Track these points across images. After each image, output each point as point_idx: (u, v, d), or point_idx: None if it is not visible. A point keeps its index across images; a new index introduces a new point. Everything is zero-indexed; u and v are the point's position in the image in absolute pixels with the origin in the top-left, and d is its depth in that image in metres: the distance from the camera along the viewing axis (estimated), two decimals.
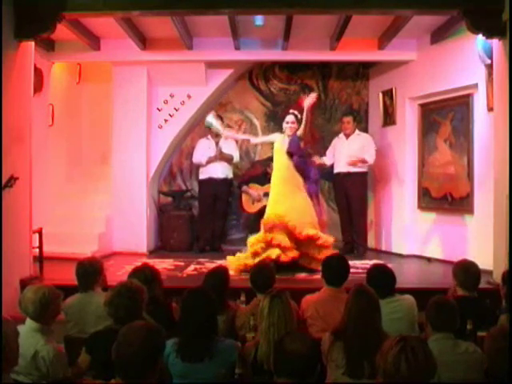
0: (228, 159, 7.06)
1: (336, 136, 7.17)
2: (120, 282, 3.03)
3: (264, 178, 7.16)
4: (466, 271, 3.43)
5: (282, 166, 5.75)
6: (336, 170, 6.92)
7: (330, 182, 7.64)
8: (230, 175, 7.16)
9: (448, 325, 2.67)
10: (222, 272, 3.70)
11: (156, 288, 3.33)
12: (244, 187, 7.17)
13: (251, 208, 7.07)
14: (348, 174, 6.78)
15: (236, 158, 7.15)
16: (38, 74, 6.08)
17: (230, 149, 7.12)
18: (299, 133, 5.71)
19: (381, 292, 3.26)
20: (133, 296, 2.80)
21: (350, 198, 6.87)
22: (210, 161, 6.99)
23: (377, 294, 3.22)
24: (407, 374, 1.88)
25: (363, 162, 6.72)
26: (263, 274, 3.61)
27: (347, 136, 6.89)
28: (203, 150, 7.07)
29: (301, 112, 5.69)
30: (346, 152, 6.75)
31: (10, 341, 2.10)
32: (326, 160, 6.83)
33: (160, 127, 7.18)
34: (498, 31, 4.62)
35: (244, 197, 7.15)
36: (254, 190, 7.09)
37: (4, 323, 2.20)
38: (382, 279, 3.36)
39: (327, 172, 7.63)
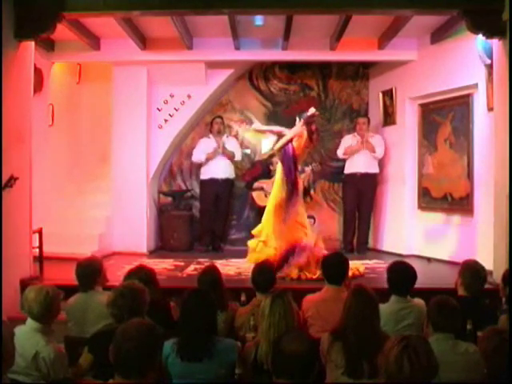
0: (230, 156, 7.06)
1: (339, 133, 7.44)
2: (122, 283, 3.04)
3: (267, 175, 7.19)
4: (475, 274, 3.41)
5: None
6: (351, 171, 7.02)
7: (332, 182, 7.67)
8: (232, 175, 7.17)
9: (449, 325, 2.66)
10: (212, 271, 3.69)
11: (153, 289, 3.32)
12: (256, 184, 7.18)
13: (264, 202, 7.08)
14: (365, 175, 6.92)
15: (238, 155, 7.17)
16: (38, 73, 6.08)
17: (233, 147, 7.14)
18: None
19: (398, 290, 3.29)
20: (136, 297, 2.81)
21: (363, 199, 7.03)
22: (209, 157, 6.99)
23: (394, 291, 3.22)
24: (409, 374, 1.88)
25: (374, 151, 6.90)
26: (264, 274, 3.61)
27: (362, 137, 6.95)
28: (204, 148, 7.07)
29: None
30: (364, 153, 6.92)
31: (6, 342, 2.11)
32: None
33: (160, 127, 7.18)
34: (498, 31, 4.63)
35: (255, 193, 7.15)
36: (266, 183, 7.12)
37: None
38: (402, 278, 3.36)
39: (330, 172, 7.67)
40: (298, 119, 5.68)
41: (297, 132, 5.58)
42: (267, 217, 5.55)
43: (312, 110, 5.63)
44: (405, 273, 3.38)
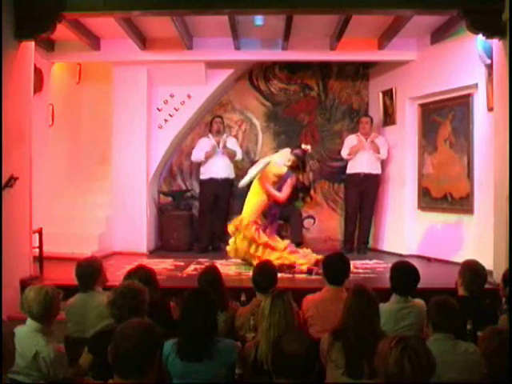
0: (231, 154, 7.06)
1: (339, 133, 7.54)
2: (122, 283, 3.03)
3: None
4: (475, 274, 3.41)
5: None
6: (354, 171, 7.01)
7: (332, 182, 7.67)
8: (232, 175, 7.16)
9: (449, 325, 2.66)
10: (212, 271, 3.69)
11: (153, 289, 3.32)
12: None
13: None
14: (368, 176, 6.92)
15: (239, 154, 7.17)
16: (38, 73, 6.08)
17: (233, 146, 7.14)
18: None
19: (400, 289, 3.31)
20: (136, 296, 2.81)
21: (365, 199, 7.03)
22: (208, 155, 6.98)
23: (396, 290, 3.25)
24: (411, 374, 1.88)
25: (378, 152, 6.89)
26: (265, 274, 3.61)
27: (365, 136, 6.96)
28: (203, 147, 7.07)
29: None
30: (367, 154, 6.92)
31: (6, 342, 2.11)
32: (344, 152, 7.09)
33: (160, 127, 7.18)
34: (498, 31, 4.62)
35: None
36: None
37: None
38: (406, 277, 3.37)
39: (330, 173, 7.67)
40: (289, 153, 5.78)
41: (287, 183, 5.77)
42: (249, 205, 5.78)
43: (307, 147, 5.85)
44: (408, 273, 3.39)
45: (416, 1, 4.82)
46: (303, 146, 5.87)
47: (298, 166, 5.83)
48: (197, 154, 7.09)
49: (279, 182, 5.76)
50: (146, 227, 6.97)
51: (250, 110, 7.79)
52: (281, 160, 5.81)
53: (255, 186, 5.82)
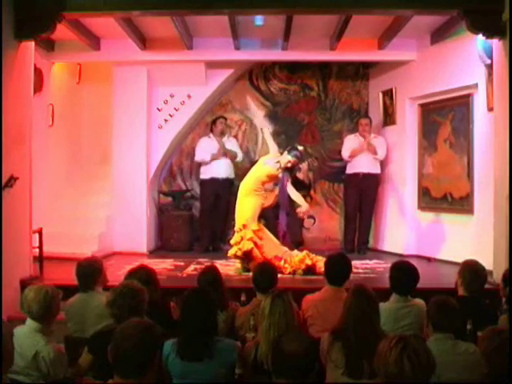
0: (232, 156, 7.07)
1: (339, 133, 7.55)
2: (121, 283, 3.04)
3: None
4: (475, 274, 3.40)
5: None
6: (354, 171, 7.01)
7: (332, 182, 7.67)
8: (232, 175, 7.16)
9: (449, 325, 2.66)
10: (212, 271, 3.69)
11: (153, 289, 3.32)
12: None
13: (267, 201, 7.07)
14: (367, 176, 6.92)
15: (240, 156, 7.18)
16: (38, 73, 6.08)
17: (233, 147, 7.14)
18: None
19: (399, 289, 3.32)
20: (136, 296, 2.82)
21: (365, 199, 7.02)
22: (214, 158, 6.99)
23: (396, 290, 3.27)
24: (411, 374, 1.88)
25: (375, 153, 6.89)
26: (265, 274, 3.61)
27: (365, 138, 6.95)
28: (206, 147, 7.07)
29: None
30: (367, 154, 6.90)
31: (6, 342, 2.11)
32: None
33: (160, 127, 7.18)
34: (498, 31, 4.62)
35: None
36: None
37: None
38: (405, 277, 3.37)
39: (330, 172, 7.67)
40: (286, 153, 5.65)
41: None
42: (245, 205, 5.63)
43: (301, 148, 5.80)
44: (408, 273, 3.39)
45: (416, 1, 4.82)
46: (299, 148, 5.84)
47: (296, 166, 5.84)
48: (201, 155, 7.07)
49: (270, 182, 5.74)
50: (146, 227, 6.97)
51: (250, 110, 7.78)
52: (270, 161, 5.72)
53: (245, 189, 5.68)
